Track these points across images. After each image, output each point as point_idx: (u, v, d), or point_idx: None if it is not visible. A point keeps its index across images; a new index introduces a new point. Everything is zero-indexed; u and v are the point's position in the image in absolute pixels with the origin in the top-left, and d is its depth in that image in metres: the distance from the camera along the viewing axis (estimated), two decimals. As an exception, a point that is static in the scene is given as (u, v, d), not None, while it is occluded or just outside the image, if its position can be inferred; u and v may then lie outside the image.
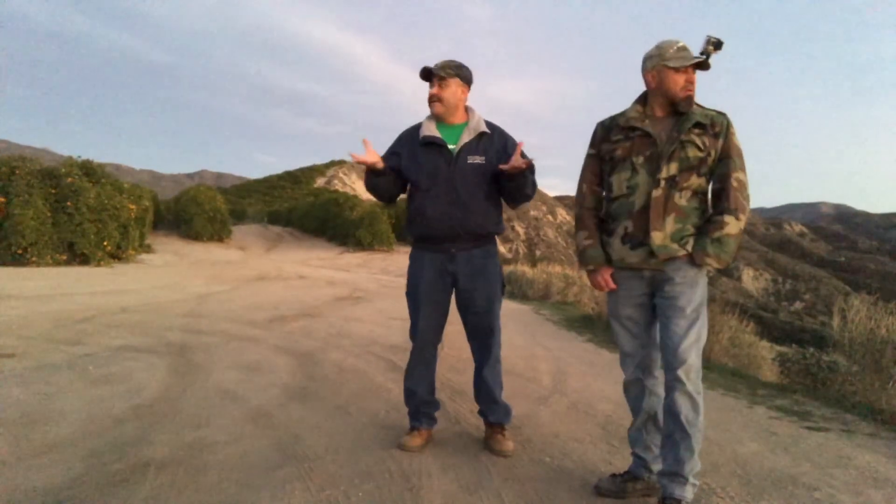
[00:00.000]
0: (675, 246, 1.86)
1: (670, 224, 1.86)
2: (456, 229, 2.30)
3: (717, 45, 1.88)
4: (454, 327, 2.57)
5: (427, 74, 2.33)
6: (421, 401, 2.45)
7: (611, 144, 2.01)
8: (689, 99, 1.91)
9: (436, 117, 2.37)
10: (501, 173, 2.26)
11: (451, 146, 2.32)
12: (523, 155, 2.24)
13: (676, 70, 1.89)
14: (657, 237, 1.86)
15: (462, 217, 2.28)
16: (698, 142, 1.86)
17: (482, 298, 2.35)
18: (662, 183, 1.87)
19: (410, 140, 2.41)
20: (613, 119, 2.04)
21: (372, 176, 2.35)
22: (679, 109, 1.92)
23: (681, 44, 1.91)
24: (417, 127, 2.42)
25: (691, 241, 1.86)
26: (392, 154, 2.42)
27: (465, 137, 2.33)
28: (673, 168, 1.87)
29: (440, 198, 2.29)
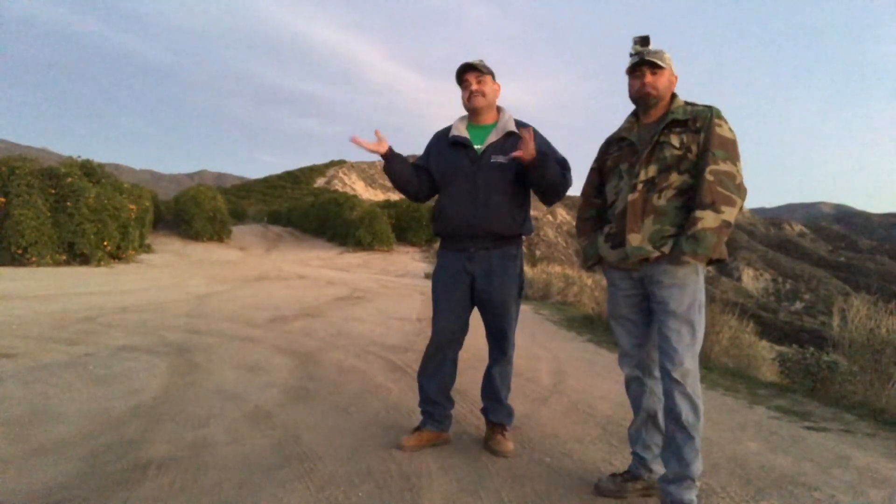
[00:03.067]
0: (649, 248, 1.87)
1: (648, 226, 1.87)
2: (475, 229, 2.30)
3: (642, 41, 1.93)
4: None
5: (467, 70, 2.33)
6: (428, 399, 2.44)
7: (607, 156, 2.09)
8: (646, 98, 1.94)
9: (473, 113, 2.39)
10: (522, 169, 2.26)
11: (476, 146, 2.34)
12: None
13: (631, 75, 1.97)
14: (633, 239, 1.89)
15: (482, 217, 2.28)
16: (675, 141, 1.86)
17: (497, 300, 2.34)
18: (639, 186, 1.90)
19: (439, 141, 2.46)
20: (615, 133, 2.11)
21: (387, 165, 2.36)
22: (655, 112, 1.96)
23: (636, 47, 1.94)
24: (448, 128, 2.44)
25: (671, 242, 1.85)
26: (423, 159, 2.48)
27: (492, 137, 2.35)
28: (651, 170, 1.89)
29: (462, 197, 2.30)
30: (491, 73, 2.37)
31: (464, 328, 2.44)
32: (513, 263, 2.37)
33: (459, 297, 2.37)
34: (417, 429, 2.44)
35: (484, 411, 2.51)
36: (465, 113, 2.46)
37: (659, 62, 1.91)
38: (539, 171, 2.21)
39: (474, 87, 2.33)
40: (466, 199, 2.29)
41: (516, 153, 2.19)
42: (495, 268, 2.33)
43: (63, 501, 1.82)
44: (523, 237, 2.44)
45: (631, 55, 1.96)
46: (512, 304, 2.37)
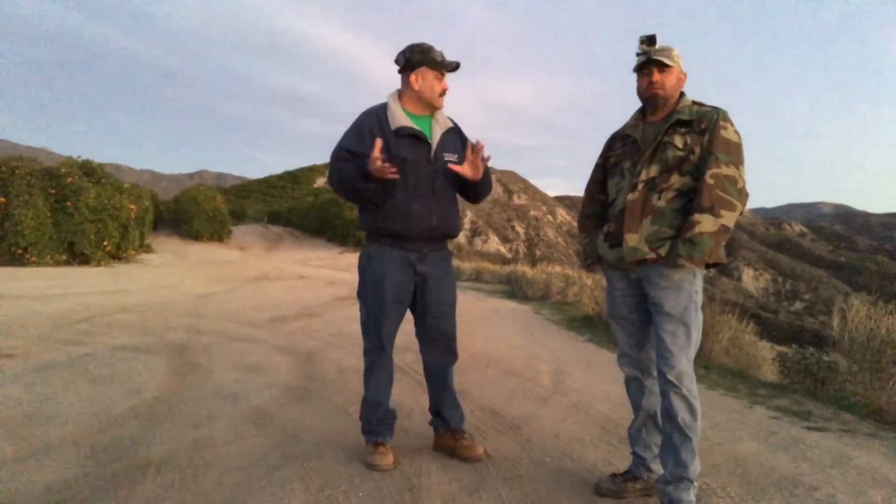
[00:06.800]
0: (646, 249, 1.85)
1: (646, 226, 1.86)
2: (433, 229, 2.20)
3: (649, 40, 1.92)
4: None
5: (452, 68, 2.22)
6: (385, 411, 2.26)
7: (611, 153, 2.09)
8: (654, 98, 1.94)
9: (422, 105, 2.23)
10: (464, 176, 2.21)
11: (429, 141, 2.22)
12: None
13: (639, 73, 1.97)
14: (631, 239, 1.88)
15: (441, 216, 2.20)
16: (678, 141, 1.85)
17: (448, 301, 2.30)
18: (640, 186, 1.89)
19: (380, 129, 2.15)
20: (620, 130, 2.10)
21: (364, 182, 2.06)
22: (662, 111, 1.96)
23: (643, 46, 1.93)
24: (382, 112, 2.20)
25: (668, 244, 1.84)
26: (359, 144, 2.13)
27: (438, 131, 2.24)
28: (653, 170, 1.88)
29: (423, 195, 2.16)
30: None
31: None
32: (450, 264, 2.36)
33: (406, 300, 2.24)
34: (380, 444, 2.21)
35: (443, 420, 2.34)
36: (394, 90, 2.27)
37: (666, 60, 1.89)
38: (480, 183, 2.23)
39: (447, 87, 2.22)
40: (429, 197, 2.17)
41: (462, 170, 2.16)
42: (444, 268, 2.29)
43: (63, 501, 1.82)
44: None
45: (637, 54, 1.95)
46: (455, 304, 2.36)
